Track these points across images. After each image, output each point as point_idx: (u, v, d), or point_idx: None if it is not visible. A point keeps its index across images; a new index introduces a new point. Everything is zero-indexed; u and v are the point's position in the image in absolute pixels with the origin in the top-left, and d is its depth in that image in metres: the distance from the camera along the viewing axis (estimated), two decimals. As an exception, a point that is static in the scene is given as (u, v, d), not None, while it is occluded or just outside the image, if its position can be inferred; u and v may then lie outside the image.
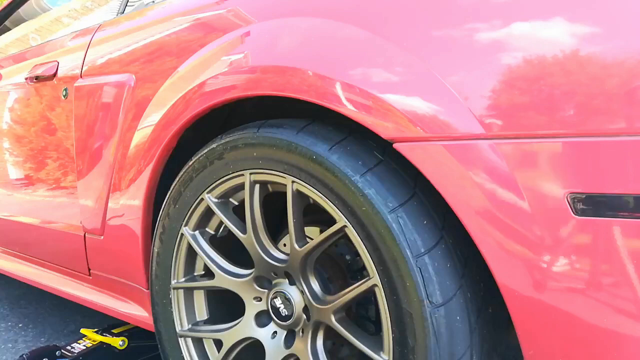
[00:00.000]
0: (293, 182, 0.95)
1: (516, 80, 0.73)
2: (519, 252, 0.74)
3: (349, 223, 0.88)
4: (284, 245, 1.11)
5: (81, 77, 1.52)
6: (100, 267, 1.50)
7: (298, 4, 1.01)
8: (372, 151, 0.88)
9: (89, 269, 1.53)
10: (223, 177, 1.06)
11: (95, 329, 1.62)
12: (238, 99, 1.03)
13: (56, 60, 1.65)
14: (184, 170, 1.12)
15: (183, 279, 1.18)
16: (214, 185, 1.08)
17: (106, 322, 1.65)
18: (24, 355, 1.52)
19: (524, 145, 0.72)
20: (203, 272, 1.19)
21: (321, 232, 0.99)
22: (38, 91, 1.72)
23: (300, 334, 1.03)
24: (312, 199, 0.95)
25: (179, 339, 1.18)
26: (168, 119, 1.16)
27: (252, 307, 1.09)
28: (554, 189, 0.70)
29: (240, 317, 1.10)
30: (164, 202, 1.17)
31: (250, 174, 1.01)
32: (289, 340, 1.05)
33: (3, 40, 2.39)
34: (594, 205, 0.68)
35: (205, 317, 1.20)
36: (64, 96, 1.56)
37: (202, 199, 1.10)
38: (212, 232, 1.15)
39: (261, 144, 0.98)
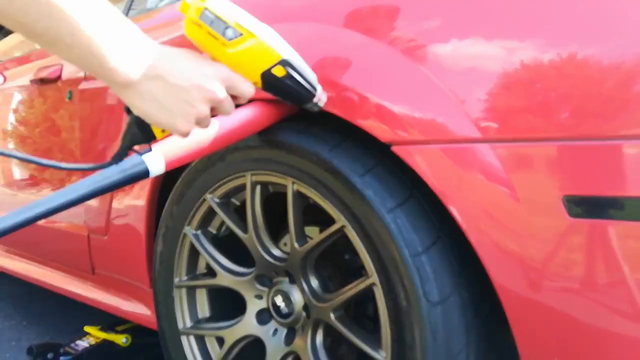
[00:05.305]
0: (293, 183, 0.96)
1: (512, 83, 0.74)
2: (514, 252, 0.74)
3: (348, 223, 0.89)
4: (285, 244, 1.12)
5: (85, 79, 1.53)
6: (104, 266, 1.51)
7: (293, 9, 1.02)
8: (371, 153, 0.89)
9: (93, 268, 1.54)
10: (225, 178, 1.07)
11: (99, 327, 1.63)
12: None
13: (60, 63, 1.66)
14: (186, 171, 1.13)
15: (186, 278, 1.19)
16: (216, 186, 1.09)
17: (109, 320, 1.66)
18: (33, 347, 1.54)
19: (520, 148, 0.73)
20: (205, 271, 1.20)
21: (321, 231, 1.00)
22: (42, 93, 1.73)
23: (301, 331, 1.04)
24: (312, 199, 0.96)
25: (182, 336, 1.19)
26: (171, 120, 1.17)
27: (253, 305, 1.10)
28: (549, 191, 0.71)
29: (242, 315, 1.11)
30: (167, 203, 1.19)
31: (252, 175, 1.02)
32: (289, 338, 1.06)
33: (8, 43, 2.41)
34: (589, 207, 0.69)
35: (207, 315, 1.21)
36: (69, 98, 1.58)
37: (205, 200, 1.11)
38: (214, 232, 1.16)
39: (262, 145, 0.99)
